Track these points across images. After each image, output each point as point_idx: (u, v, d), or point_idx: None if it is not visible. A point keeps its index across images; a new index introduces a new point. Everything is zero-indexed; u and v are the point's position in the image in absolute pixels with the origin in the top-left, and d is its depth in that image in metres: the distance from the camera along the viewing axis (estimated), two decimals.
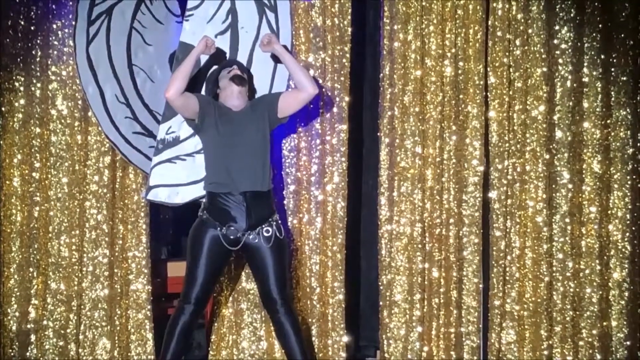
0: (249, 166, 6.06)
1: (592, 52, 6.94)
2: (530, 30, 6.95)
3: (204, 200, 6.20)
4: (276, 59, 6.58)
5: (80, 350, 6.62)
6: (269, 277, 6.06)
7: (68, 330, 6.62)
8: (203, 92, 6.51)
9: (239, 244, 6.03)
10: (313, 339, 6.81)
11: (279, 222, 6.17)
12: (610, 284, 6.89)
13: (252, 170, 6.06)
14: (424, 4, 6.92)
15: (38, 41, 6.61)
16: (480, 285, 6.94)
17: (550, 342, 6.88)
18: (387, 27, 6.93)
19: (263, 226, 6.06)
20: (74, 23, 6.52)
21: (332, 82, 6.86)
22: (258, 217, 6.05)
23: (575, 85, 6.92)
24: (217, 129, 6.11)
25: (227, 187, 6.03)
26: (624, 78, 6.92)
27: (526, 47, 6.95)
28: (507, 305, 6.92)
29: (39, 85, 6.62)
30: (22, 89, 6.61)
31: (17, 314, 6.59)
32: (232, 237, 6.01)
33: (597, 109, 6.92)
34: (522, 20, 6.94)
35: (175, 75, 6.12)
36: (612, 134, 6.93)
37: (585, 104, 6.93)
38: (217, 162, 6.08)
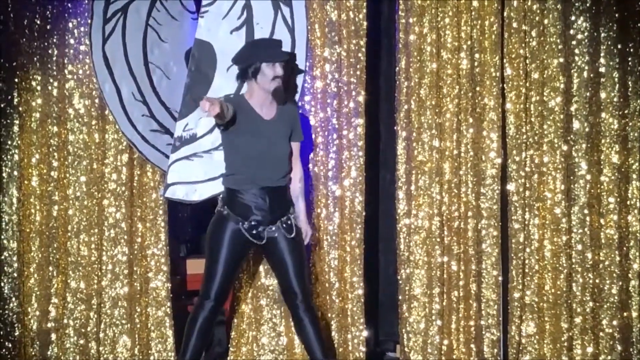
0: (272, 164, 5.98)
1: (609, 42, 6.92)
2: (546, 21, 6.92)
3: (221, 195, 6.11)
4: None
5: (100, 348, 6.64)
6: (290, 270, 6.00)
7: (88, 329, 6.63)
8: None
9: (263, 238, 5.95)
10: (333, 333, 6.81)
11: (296, 214, 6.13)
12: (630, 275, 6.89)
13: (275, 167, 5.99)
14: None
15: (54, 40, 6.61)
16: (500, 278, 6.93)
17: (571, 333, 6.87)
18: (403, 21, 6.92)
19: (283, 219, 6.00)
20: (89, 21, 6.52)
21: (348, 76, 6.85)
22: (279, 210, 5.99)
23: (592, 75, 6.90)
24: (242, 134, 5.94)
25: (249, 182, 5.94)
26: None
27: (542, 38, 6.93)
28: (526, 298, 6.91)
29: (55, 84, 6.63)
30: (39, 88, 6.61)
31: (37, 313, 6.61)
32: (254, 231, 5.93)
33: (615, 99, 6.90)
34: (538, 11, 6.92)
35: None
36: (630, 124, 6.91)
37: (603, 95, 6.91)
38: (240, 160, 5.95)
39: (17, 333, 6.55)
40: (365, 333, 6.86)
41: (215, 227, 5.99)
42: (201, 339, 5.99)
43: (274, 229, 5.96)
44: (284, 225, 5.98)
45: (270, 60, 5.95)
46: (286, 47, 6.63)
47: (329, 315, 6.82)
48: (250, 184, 5.93)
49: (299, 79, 6.69)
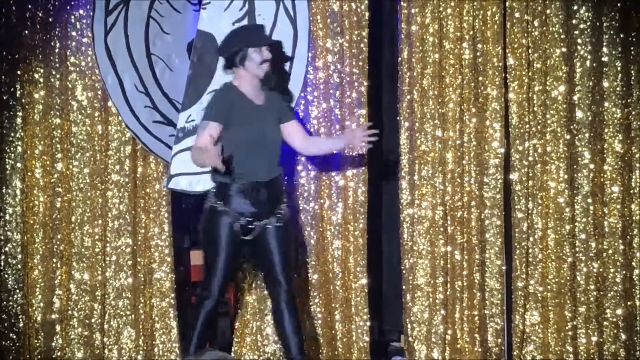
0: (267, 156, 5.91)
1: (611, 31, 6.90)
2: (548, 11, 6.91)
3: (213, 191, 5.97)
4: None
5: (105, 339, 6.65)
6: (275, 258, 5.90)
7: (93, 320, 6.65)
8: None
9: (255, 232, 5.84)
10: (336, 324, 6.81)
11: (287, 203, 6.06)
12: (633, 264, 6.86)
13: (269, 159, 5.93)
14: None
15: (56, 32, 6.63)
16: (503, 267, 6.92)
17: (575, 322, 6.86)
18: (405, 11, 6.92)
19: (277, 210, 5.92)
20: (91, 13, 6.55)
21: (350, 67, 6.85)
22: (274, 203, 5.92)
23: (594, 65, 6.89)
24: (238, 124, 5.87)
25: (243, 177, 5.84)
26: None
27: (544, 28, 6.91)
28: (530, 287, 6.90)
29: (58, 76, 6.64)
30: (41, 80, 6.63)
31: (41, 304, 6.62)
32: (249, 226, 5.83)
33: (617, 89, 6.88)
34: (540, 1, 6.91)
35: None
36: (633, 113, 6.88)
37: (605, 84, 6.90)
38: (241, 152, 5.83)
39: (21, 324, 6.57)
40: (369, 323, 6.86)
41: (210, 223, 5.92)
42: (205, 332, 5.98)
43: (266, 221, 5.88)
44: (278, 215, 5.92)
45: (257, 44, 5.90)
46: (288, 38, 6.66)
47: (333, 305, 6.82)
48: (247, 177, 5.83)
49: (300, 77, 6.67)
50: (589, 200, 6.87)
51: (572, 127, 6.89)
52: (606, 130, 6.89)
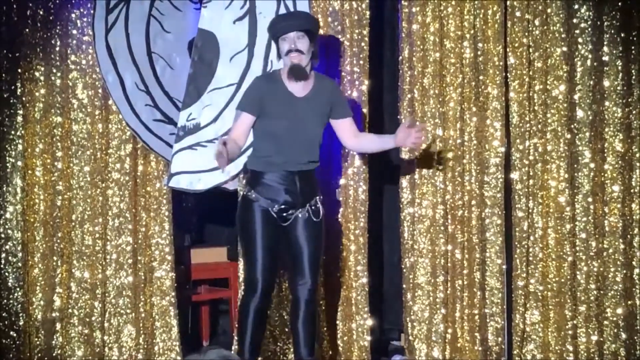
0: (304, 147, 5.76)
1: (612, 31, 6.89)
2: (549, 10, 6.91)
3: (245, 179, 5.94)
4: None
5: (105, 337, 6.64)
6: (305, 254, 5.74)
7: (93, 318, 6.64)
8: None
9: (288, 221, 5.72)
10: (337, 322, 6.82)
11: (322, 199, 5.93)
12: (634, 263, 6.86)
13: (305, 151, 5.78)
14: None
15: (57, 30, 6.61)
16: (504, 267, 6.93)
17: (575, 321, 6.86)
18: (406, 10, 6.92)
19: (311, 202, 5.80)
20: (92, 12, 6.53)
21: (351, 65, 6.85)
22: (308, 194, 5.78)
23: (595, 64, 6.89)
24: (272, 115, 5.72)
25: (279, 166, 5.71)
26: None
27: (545, 27, 6.92)
28: (530, 286, 6.90)
29: (59, 74, 6.63)
30: (42, 78, 6.61)
31: (42, 302, 6.60)
32: (284, 214, 5.70)
33: (618, 88, 6.88)
34: (541, 0, 6.91)
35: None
36: (634, 112, 6.88)
37: (606, 83, 6.90)
38: (271, 142, 5.73)
39: (21, 323, 6.55)
40: (369, 322, 6.86)
41: (245, 213, 5.77)
42: (258, 331, 5.79)
43: (302, 213, 5.76)
44: (312, 208, 5.79)
45: (281, 32, 5.72)
46: None
47: (334, 304, 6.82)
48: (279, 166, 5.71)
49: None
50: (590, 200, 6.87)
51: (572, 126, 6.89)
52: (607, 129, 6.89)
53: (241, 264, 6.60)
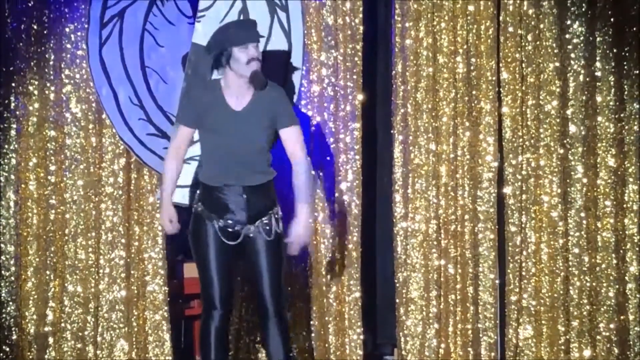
0: (246, 161, 5.49)
1: (604, 46, 6.94)
2: (541, 26, 6.95)
3: (197, 191, 5.72)
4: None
5: (98, 352, 6.63)
6: (263, 276, 5.47)
7: (86, 333, 6.63)
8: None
9: (238, 237, 5.47)
10: (330, 337, 6.81)
11: (280, 215, 5.58)
12: (626, 278, 6.89)
13: (249, 164, 5.50)
14: (435, 1, 6.92)
15: (51, 45, 6.62)
16: (497, 281, 6.93)
17: (568, 336, 6.87)
18: (399, 25, 6.94)
19: (263, 219, 5.49)
20: (86, 26, 6.54)
21: (345, 80, 6.87)
22: (258, 209, 5.49)
23: (587, 79, 6.92)
24: (210, 129, 5.52)
25: (225, 179, 5.47)
26: (637, 71, 6.93)
27: (538, 43, 6.95)
28: (523, 301, 6.91)
29: (53, 88, 6.64)
30: (36, 92, 6.62)
31: (34, 316, 6.59)
32: (230, 230, 5.46)
33: (611, 103, 6.91)
34: (534, 16, 6.94)
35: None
36: (626, 127, 6.92)
37: (599, 98, 6.93)
38: (215, 156, 5.53)
39: (14, 337, 6.55)
40: (362, 336, 6.86)
41: (195, 229, 5.59)
42: (220, 351, 5.56)
43: (252, 229, 5.48)
44: (265, 226, 5.49)
45: (241, 42, 5.43)
46: (282, 52, 6.66)
47: (326, 318, 6.82)
48: (222, 181, 5.48)
49: (296, 78, 6.66)
50: (582, 215, 6.89)
51: (565, 141, 6.92)
52: (599, 144, 6.92)
53: None
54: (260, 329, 5.75)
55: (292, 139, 5.55)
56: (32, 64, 6.61)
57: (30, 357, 6.58)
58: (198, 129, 5.60)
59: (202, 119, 5.53)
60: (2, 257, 6.56)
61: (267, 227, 5.51)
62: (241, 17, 6.61)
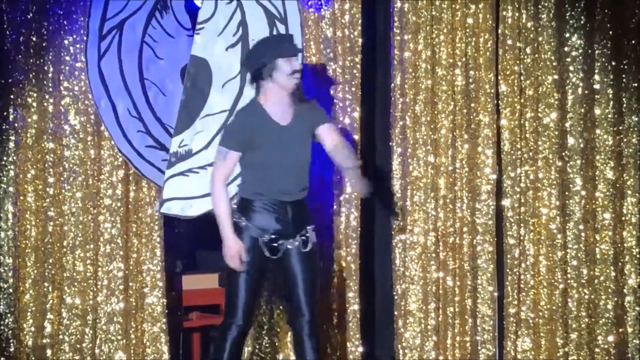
0: (294, 176, 5.52)
1: (603, 59, 6.95)
2: (540, 38, 6.97)
3: (236, 205, 5.63)
4: None
5: None
6: (299, 286, 5.49)
7: (84, 345, 6.61)
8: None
9: (279, 252, 5.47)
10: (328, 349, 6.80)
11: (313, 227, 5.63)
12: (625, 291, 6.90)
13: (296, 179, 5.53)
14: (433, 13, 6.93)
15: (50, 57, 6.61)
16: (495, 294, 6.94)
17: (566, 349, 6.88)
18: (398, 37, 6.95)
19: (301, 233, 5.51)
20: (85, 38, 6.54)
21: (343, 92, 6.88)
22: (301, 222, 5.53)
23: (586, 92, 6.94)
24: (260, 148, 5.46)
25: (270, 196, 5.47)
26: (635, 84, 6.95)
27: (537, 55, 6.97)
28: (522, 313, 6.91)
29: (51, 100, 6.62)
30: (34, 104, 6.61)
31: (32, 328, 6.58)
32: (274, 244, 5.45)
33: (609, 116, 6.93)
34: (532, 28, 6.96)
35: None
36: (625, 140, 6.93)
37: (597, 111, 6.94)
38: (260, 174, 5.49)
39: (12, 349, 6.52)
40: (361, 349, 6.85)
41: None
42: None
43: (291, 242, 5.49)
44: (303, 238, 5.51)
45: (286, 54, 5.41)
46: None
47: (324, 328, 6.80)
48: (270, 197, 5.47)
49: None
50: (581, 227, 6.90)
51: (563, 154, 6.93)
52: (598, 157, 6.94)
53: None
54: (294, 344, 5.63)
55: (331, 129, 5.65)
56: (30, 76, 6.60)
57: None
58: (244, 151, 5.51)
59: (250, 140, 5.47)
60: (0, 269, 6.54)
61: (305, 239, 5.54)
62: (240, 30, 6.64)
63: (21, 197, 6.59)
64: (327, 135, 5.63)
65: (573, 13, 6.95)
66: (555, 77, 6.93)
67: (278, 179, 5.48)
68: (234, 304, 5.46)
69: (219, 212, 5.45)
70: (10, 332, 6.54)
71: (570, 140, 6.93)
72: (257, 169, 5.50)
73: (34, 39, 6.61)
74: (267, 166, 5.48)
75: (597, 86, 6.94)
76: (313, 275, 5.58)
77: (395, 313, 6.93)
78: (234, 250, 5.40)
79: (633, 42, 6.96)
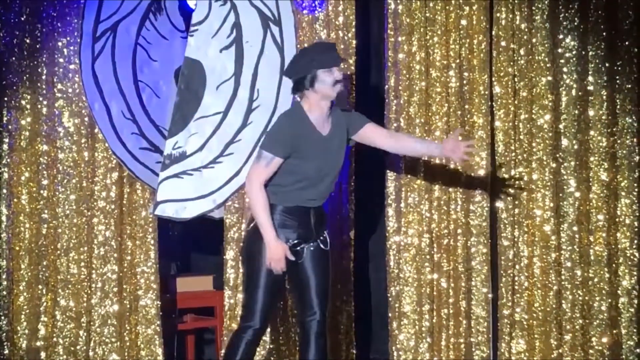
0: (330, 183, 5.57)
1: (597, 60, 6.96)
2: (534, 40, 6.97)
3: None
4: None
5: None
6: (312, 284, 5.48)
7: (78, 347, 6.60)
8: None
9: (302, 256, 5.47)
10: None
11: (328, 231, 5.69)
12: (619, 292, 6.90)
13: (330, 186, 5.58)
14: (427, 15, 6.93)
15: (44, 59, 6.61)
16: (489, 295, 6.93)
17: (560, 350, 6.88)
18: (392, 39, 6.94)
19: (321, 234, 5.55)
20: (79, 40, 6.53)
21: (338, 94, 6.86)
22: (320, 228, 5.56)
23: (580, 93, 6.94)
24: (302, 157, 5.44)
25: (299, 202, 5.46)
26: (629, 85, 6.95)
27: (530, 57, 6.97)
28: (516, 315, 6.92)
29: (45, 102, 6.62)
30: (28, 106, 6.60)
31: (26, 331, 6.57)
32: (297, 249, 5.44)
33: (603, 117, 6.94)
34: (526, 30, 6.96)
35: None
36: (619, 141, 6.94)
37: (591, 112, 6.95)
38: (298, 181, 5.46)
39: (6, 351, 6.52)
40: (355, 351, 6.85)
41: (255, 244, 5.45)
42: None
43: (311, 244, 5.50)
44: (321, 238, 5.55)
45: (326, 65, 5.43)
46: (275, 66, 6.68)
47: None
48: (304, 203, 5.48)
49: (288, 100, 6.64)
50: (575, 229, 6.90)
51: (557, 155, 6.93)
52: (592, 158, 6.94)
53: (227, 293, 6.61)
54: (302, 344, 5.58)
55: (375, 125, 5.77)
56: (24, 78, 6.60)
57: None
58: (294, 160, 5.47)
59: (296, 148, 5.44)
60: None
61: (324, 239, 5.58)
62: (234, 32, 6.63)
63: (15, 200, 6.59)
64: (374, 132, 5.74)
65: (567, 14, 6.96)
66: (549, 78, 6.93)
67: (313, 187, 5.48)
68: (252, 309, 5.42)
69: (261, 219, 5.39)
70: (4, 334, 6.54)
71: (564, 142, 6.94)
72: (296, 177, 5.46)
73: (28, 41, 6.61)
74: (307, 176, 5.46)
75: (591, 87, 6.95)
76: (326, 275, 5.58)
77: (390, 315, 6.92)
78: (279, 253, 5.36)
79: (627, 43, 6.97)
